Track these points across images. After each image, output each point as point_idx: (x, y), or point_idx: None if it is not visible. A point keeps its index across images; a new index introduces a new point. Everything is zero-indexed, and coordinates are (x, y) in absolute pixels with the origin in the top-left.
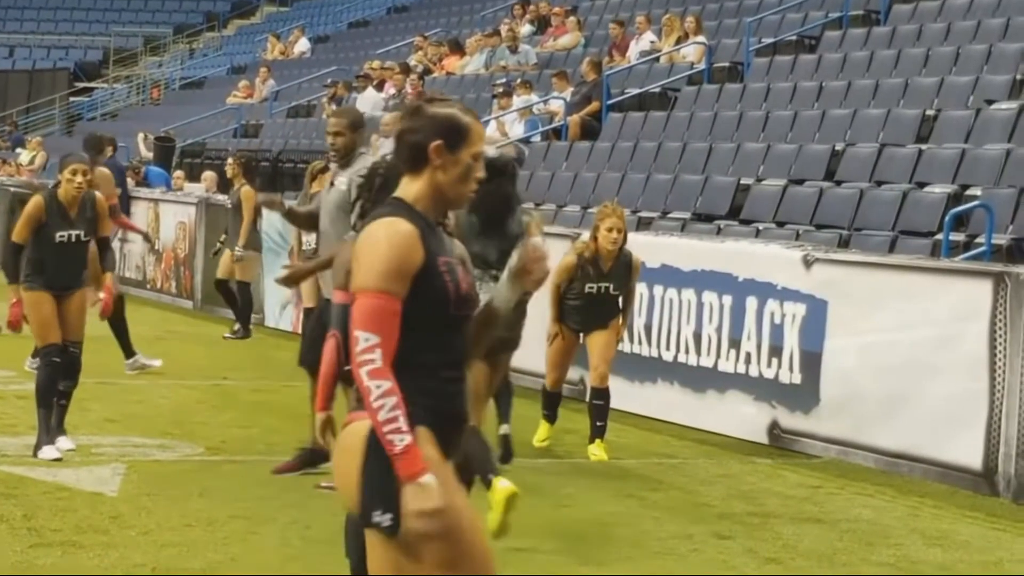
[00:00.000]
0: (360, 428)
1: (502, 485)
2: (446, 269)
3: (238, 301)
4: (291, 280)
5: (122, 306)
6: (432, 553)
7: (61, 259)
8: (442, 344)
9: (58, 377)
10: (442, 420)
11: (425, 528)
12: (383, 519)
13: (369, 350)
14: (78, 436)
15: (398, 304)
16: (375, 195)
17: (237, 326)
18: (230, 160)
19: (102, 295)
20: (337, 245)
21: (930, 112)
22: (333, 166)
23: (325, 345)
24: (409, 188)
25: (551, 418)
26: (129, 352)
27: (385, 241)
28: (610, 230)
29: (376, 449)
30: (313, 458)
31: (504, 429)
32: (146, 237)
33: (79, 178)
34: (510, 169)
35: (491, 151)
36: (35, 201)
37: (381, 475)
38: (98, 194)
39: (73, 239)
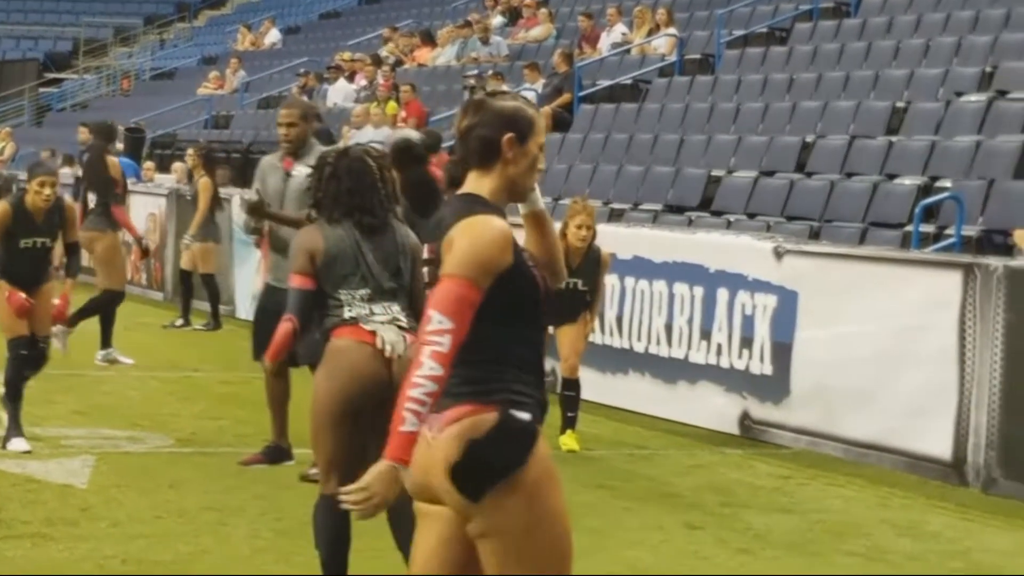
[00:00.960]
0: (488, 421)
1: None
2: (533, 264)
3: (215, 294)
4: (254, 212)
5: (116, 298)
6: (544, 550)
7: (26, 262)
8: (534, 338)
9: (26, 369)
10: (543, 413)
11: (357, 503)
12: (480, 488)
13: (441, 333)
14: (47, 428)
15: (479, 298)
16: (324, 184)
17: (180, 320)
18: (190, 151)
19: (56, 301)
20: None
21: (900, 104)
22: (273, 156)
23: (279, 328)
24: (481, 183)
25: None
26: (106, 343)
27: (484, 236)
28: (579, 227)
29: (502, 431)
30: (279, 454)
31: None
32: (138, 241)
33: (47, 190)
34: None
35: (414, 135)
36: (2, 208)
37: (490, 453)
38: (68, 200)
39: (38, 245)
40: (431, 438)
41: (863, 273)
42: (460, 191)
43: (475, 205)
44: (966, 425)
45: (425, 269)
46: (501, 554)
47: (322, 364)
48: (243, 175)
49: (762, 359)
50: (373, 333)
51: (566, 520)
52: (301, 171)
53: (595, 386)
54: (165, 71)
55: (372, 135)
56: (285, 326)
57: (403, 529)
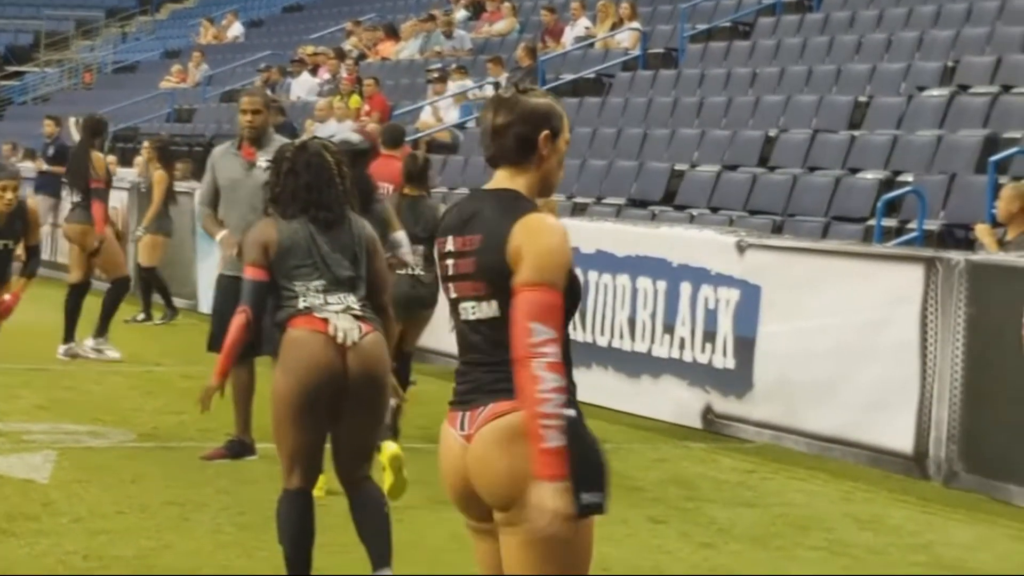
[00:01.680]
0: (518, 421)
1: (388, 447)
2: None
3: (163, 286)
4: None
5: (84, 291)
6: (577, 544)
7: None
8: (567, 332)
9: None
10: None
11: (556, 530)
12: (593, 498)
13: (546, 343)
14: (9, 423)
15: (563, 298)
16: (283, 179)
17: (141, 315)
18: (145, 144)
19: (7, 296)
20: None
21: (862, 98)
22: (228, 145)
23: (234, 319)
24: (516, 179)
25: None
26: (69, 337)
27: (555, 238)
28: None
29: (572, 436)
30: (242, 449)
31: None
32: (118, 235)
33: (9, 194)
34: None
35: (354, 137)
36: None
37: (583, 458)
38: (31, 203)
39: (0, 248)
40: (463, 435)
41: (825, 267)
42: (492, 186)
43: (519, 201)
44: (927, 419)
45: (450, 261)
46: (538, 545)
47: (279, 357)
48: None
49: (725, 353)
50: (326, 321)
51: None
52: (265, 162)
53: None
54: (127, 64)
55: (335, 129)
56: (239, 318)
57: (367, 524)
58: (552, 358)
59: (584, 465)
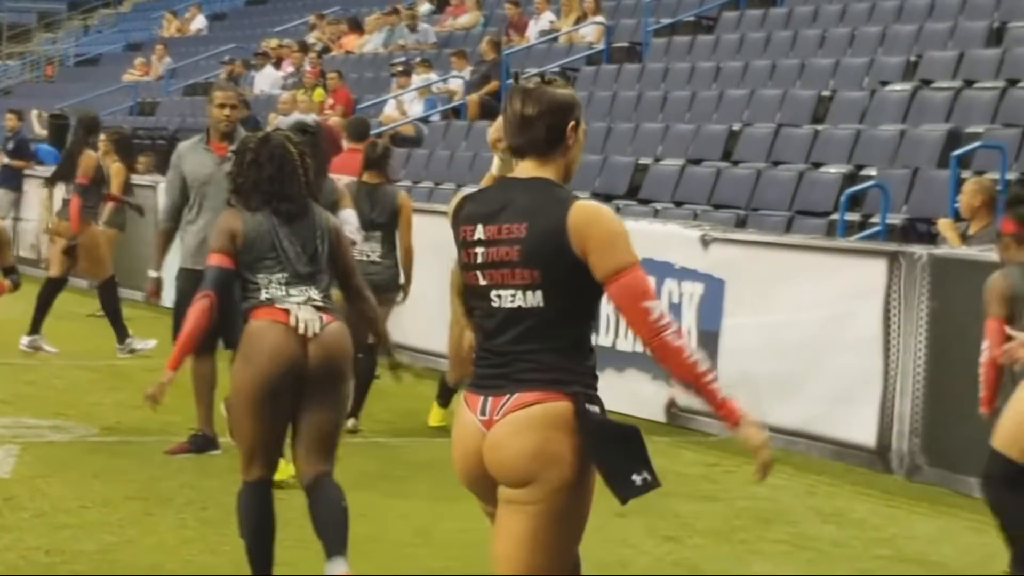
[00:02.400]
0: (563, 409)
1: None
2: None
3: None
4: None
5: (60, 287)
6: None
7: None
8: (593, 326)
9: None
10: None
11: (768, 456)
12: (644, 476)
13: (662, 315)
14: None
15: None
16: (245, 171)
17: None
18: (103, 137)
19: None
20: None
21: (826, 93)
22: (195, 141)
23: (195, 304)
24: (545, 168)
25: (445, 404)
26: (34, 329)
27: (615, 218)
28: None
29: (600, 430)
30: (205, 444)
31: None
32: (137, 208)
33: None
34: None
35: (307, 118)
36: None
37: (620, 446)
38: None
39: None
40: (483, 420)
41: (789, 261)
42: (521, 176)
43: (559, 189)
44: (890, 412)
45: (480, 249)
46: (543, 520)
47: (240, 347)
48: (167, 162)
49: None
50: (287, 312)
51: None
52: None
53: None
54: (90, 57)
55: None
56: (202, 303)
57: (322, 517)
58: (674, 325)
59: (626, 449)
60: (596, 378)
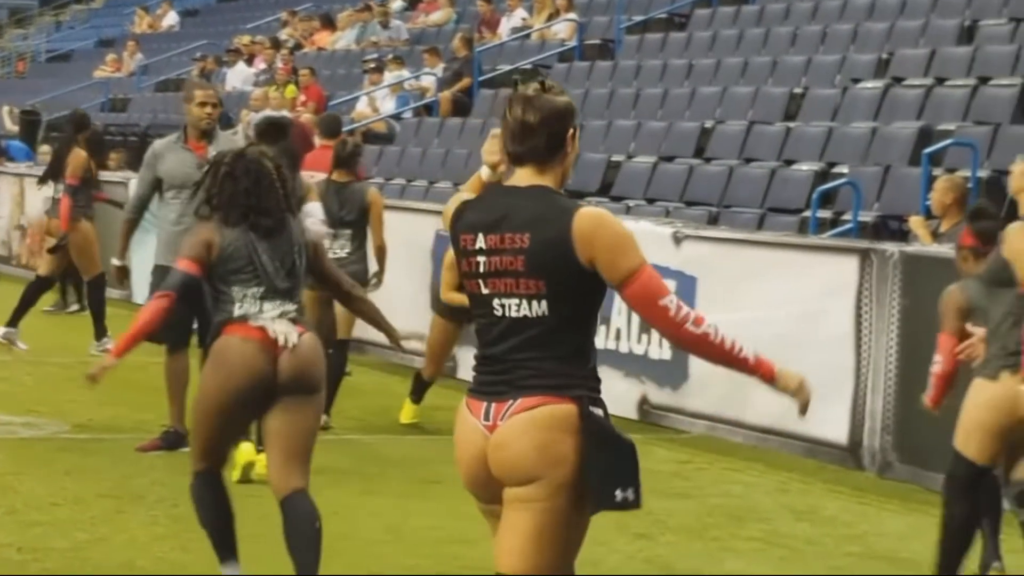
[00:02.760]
0: (567, 411)
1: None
2: None
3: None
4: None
5: (47, 286)
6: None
7: None
8: (594, 326)
9: None
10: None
11: (809, 395)
12: (627, 495)
13: (679, 308)
14: None
15: None
16: (220, 185)
17: (76, 306)
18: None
19: None
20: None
21: (798, 90)
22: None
23: (153, 301)
24: (544, 176)
25: (418, 400)
26: (13, 322)
27: (618, 222)
28: None
29: (600, 434)
30: (177, 440)
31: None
32: (119, 204)
33: None
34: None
35: (274, 113)
36: None
37: (613, 456)
38: None
39: None
40: (486, 425)
41: (761, 258)
42: (519, 184)
43: (560, 197)
44: (862, 409)
45: (482, 259)
46: (548, 516)
47: (209, 360)
48: (139, 158)
49: (661, 344)
50: (262, 329)
51: None
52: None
53: None
54: (61, 53)
55: None
56: (161, 302)
57: (295, 538)
58: (693, 313)
59: (618, 461)
60: (599, 381)
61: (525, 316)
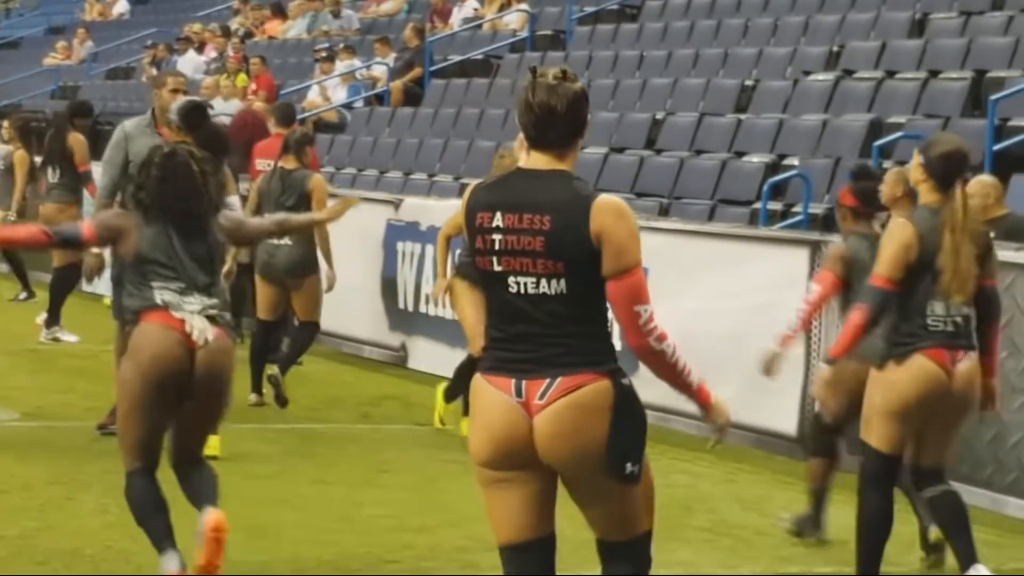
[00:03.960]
0: (604, 388)
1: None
2: None
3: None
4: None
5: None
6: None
7: None
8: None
9: None
10: None
11: (726, 435)
12: (634, 469)
13: (650, 319)
14: None
15: None
16: (149, 184)
17: (24, 294)
18: (5, 123)
19: None
20: None
21: (749, 82)
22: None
23: (35, 228)
24: (564, 161)
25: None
26: (52, 320)
27: (634, 220)
28: None
29: (631, 407)
30: None
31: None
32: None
33: None
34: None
35: (197, 99)
36: None
37: (637, 429)
38: None
39: None
40: (520, 402)
41: (712, 250)
42: (539, 167)
43: (580, 183)
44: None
45: (498, 236)
46: (612, 497)
47: (129, 346)
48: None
49: (612, 335)
50: (182, 320)
51: None
52: None
53: (446, 361)
54: (10, 40)
55: (222, 107)
56: (39, 234)
57: (195, 483)
58: (659, 329)
59: (637, 435)
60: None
61: (544, 293)
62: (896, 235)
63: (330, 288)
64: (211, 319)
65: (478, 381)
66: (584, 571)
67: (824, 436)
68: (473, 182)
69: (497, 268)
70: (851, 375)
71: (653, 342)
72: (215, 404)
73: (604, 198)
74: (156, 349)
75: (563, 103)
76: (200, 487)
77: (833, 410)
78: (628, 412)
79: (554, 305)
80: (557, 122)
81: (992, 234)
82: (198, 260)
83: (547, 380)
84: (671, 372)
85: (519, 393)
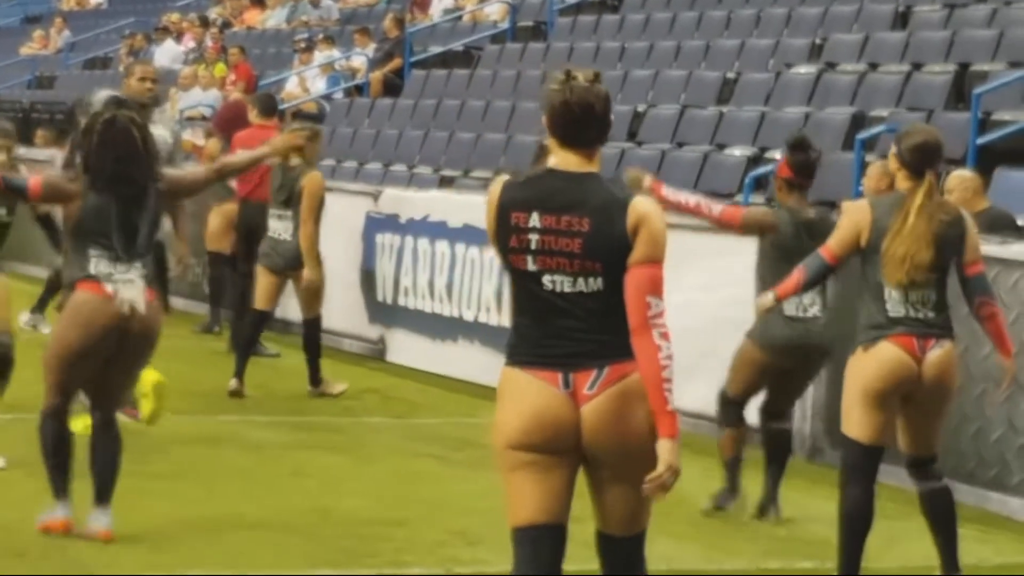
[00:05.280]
0: (639, 383)
1: (150, 375)
2: None
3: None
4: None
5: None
6: None
7: None
8: None
9: None
10: None
11: (672, 481)
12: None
13: (660, 315)
14: None
15: None
16: (93, 151)
17: None
18: (40, 132)
19: None
20: None
21: (731, 75)
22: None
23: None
24: (594, 162)
25: None
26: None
27: (664, 220)
28: None
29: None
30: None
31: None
32: None
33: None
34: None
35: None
36: None
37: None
38: None
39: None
40: (568, 392)
41: (694, 242)
42: (571, 169)
43: (615, 184)
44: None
45: (535, 236)
46: (635, 493)
47: (64, 312)
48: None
49: None
50: (114, 292)
51: None
52: (160, 132)
53: (425, 354)
54: None
55: (200, 98)
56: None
57: (101, 459)
58: (665, 328)
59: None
60: None
61: (581, 292)
62: (850, 214)
63: (308, 287)
64: (142, 284)
65: (513, 373)
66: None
67: (730, 407)
68: (502, 177)
69: (532, 267)
70: (750, 352)
71: (656, 336)
72: (139, 362)
73: (640, 199)
74: (86, 320)
75: (601, 104)
76: (103, 470)
77: (737, 385)
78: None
79: (591, 302)
80: (595, 122)
81: (970, 222)
82: (135, 228)
83: (595, 371)
84: (656, 374)
85: (567, 385)
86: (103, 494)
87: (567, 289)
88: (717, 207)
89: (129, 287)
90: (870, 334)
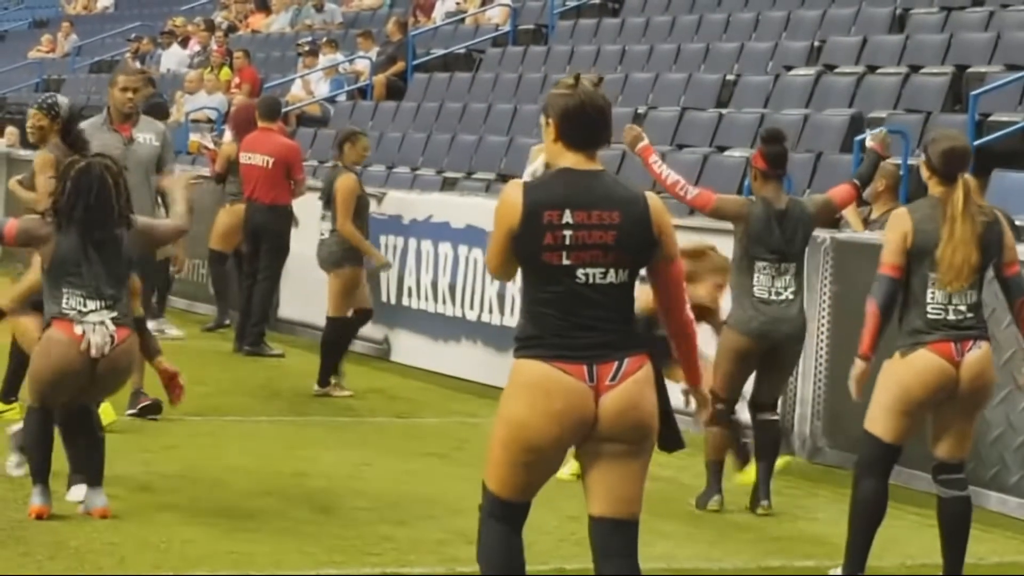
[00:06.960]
0: (650, 366)
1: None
2: None
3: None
4: None
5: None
6: None
7: None
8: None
9: None
10: None
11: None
12: (678, 436)
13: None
14: None
15: None
16: (67, 197)
17: None
18: None
19: None
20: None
21: (730, 77)
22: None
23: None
24: (596, 160)
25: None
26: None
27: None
28: None
29: (662, 383)
30: (152, 405)
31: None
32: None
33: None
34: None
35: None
36: None
37: (663, 402)
38: None
39: None
40: (592, 386)
41: (682, 240)
42: (586, 167)
43: (629, 183)
44: (793, 395)
45: (569, 232)
46: (641, 470)
47: (38, 346)
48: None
49: None
50: (82, 334)
51: None
52: (146, 138)
53: (426, 354)
54: None
55: (205, 101)
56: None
57: (85, 447)
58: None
59: (664, 407)
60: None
61: (611, 283)
62: (896, 225)
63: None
64: (113, 323)
65: (535, 367)
66: (566, 564)
67: (718, 410)
68: (515, 182)
69: (566, 262)
70: (729, 341)
71: (694, 321)
72: (111, 390)
73: (652, 195)
74: (55, 361)
75: (608, 106)
76: (91, 458)
77: (722, 388)
78: (660, 386)
79: (618, 293)
80: (607, 125)
81: (1005, 221)
82: (107, 271)
83: (616, 363)
84: (693, 351)
85: (592, 378)
86: (96, 478)
87: (599, 280)
88: (693, 191)
89: (99, 329)
90: (908, 340)
